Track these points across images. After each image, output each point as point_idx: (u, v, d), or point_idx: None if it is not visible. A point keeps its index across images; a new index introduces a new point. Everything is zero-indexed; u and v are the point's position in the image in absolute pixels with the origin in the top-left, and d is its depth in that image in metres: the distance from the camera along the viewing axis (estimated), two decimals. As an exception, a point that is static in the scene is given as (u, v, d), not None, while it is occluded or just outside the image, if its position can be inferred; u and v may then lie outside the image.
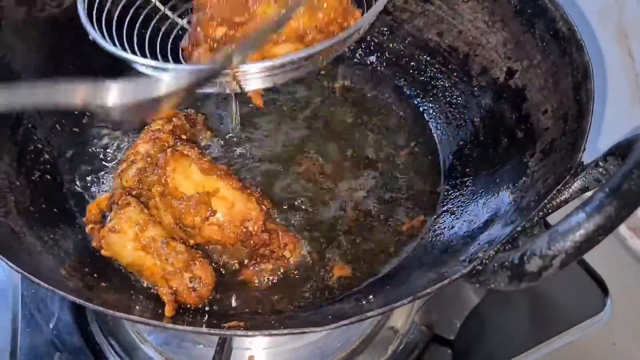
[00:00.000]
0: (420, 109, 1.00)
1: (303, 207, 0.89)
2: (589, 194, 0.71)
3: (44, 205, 0.85)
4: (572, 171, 0.73)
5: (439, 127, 0.98)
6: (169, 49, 0.89)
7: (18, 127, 0.88)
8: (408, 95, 1.02)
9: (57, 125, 0.94)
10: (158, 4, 0.93)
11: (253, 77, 0.75)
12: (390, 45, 1.03)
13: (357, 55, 1.06)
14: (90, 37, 0.79)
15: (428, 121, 0.99)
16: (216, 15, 0.79)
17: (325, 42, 0.76)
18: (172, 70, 0.75)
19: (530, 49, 0.89)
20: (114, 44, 0.81)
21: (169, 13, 0.94)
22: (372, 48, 1.05)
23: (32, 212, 0.83)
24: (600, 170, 0.71)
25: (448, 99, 0.98)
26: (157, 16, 0.93)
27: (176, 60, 0.86)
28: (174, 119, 0.90)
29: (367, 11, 0.81)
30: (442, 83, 0.99)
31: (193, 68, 0.78)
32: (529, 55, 0.89)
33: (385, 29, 1.03)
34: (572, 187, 0.73)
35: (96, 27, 0.80)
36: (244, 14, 0.78)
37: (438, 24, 0.99)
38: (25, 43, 0.92)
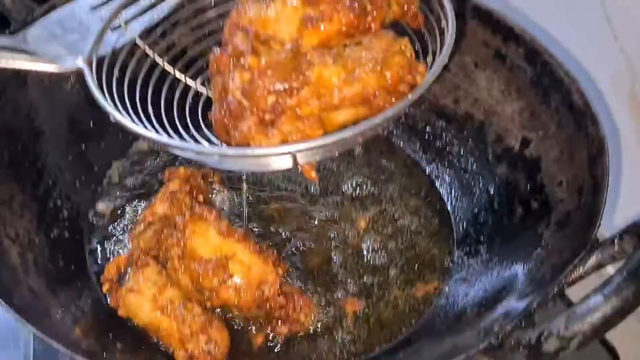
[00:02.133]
0: (435, 174, 1.01)
1: (319, 270, 0.89)
2: (604, 270, 0.72)
3: (62, 263, 0.86)
4: (588, 247, 0.73)
5: (453, 194, 0.99)
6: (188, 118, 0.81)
7: (39, 184, 0.89)
8: (424, 160, 1.03)
9: (77, 182, 0.95)
10: (167, 66, 0.85)
11: (313, 152, 0.69)
12: (407, 110, 1.04)
13: (373, 119, 1.07)
14: (112, 119, 0.70)
15: (443, 187, 1.00)
16: (265, 82, 0.67)
17: (397, 104, 0.68)
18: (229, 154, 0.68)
19: (545, 120, 0.90)
20: (131, 119, 0.72)
21: (179, 74, 0.85)
22: (388, 112, 1.06)
23: (50, 269, 0.84)
24: (616, 248, 0.72)
25: (463, 166, 0.99)
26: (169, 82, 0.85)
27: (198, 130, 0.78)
28: (190, 179, 0.91)
29: (431, 62, 0.73)
30: (457, 150, 1.00)
31: (251, 152, 0.68)
32: (545, 126, 0.90)
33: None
34: (588, 263, 0.74)
35: (109, 101, 0.72)
36: (297, 78, 0.67)
37: (454, 90, 1.01)
38: (49, 100, 0.94)
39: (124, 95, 0.76)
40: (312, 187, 0.99)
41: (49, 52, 0.78)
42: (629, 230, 0.71)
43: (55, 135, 0.93)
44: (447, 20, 0.74)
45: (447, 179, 1.00)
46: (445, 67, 0.71)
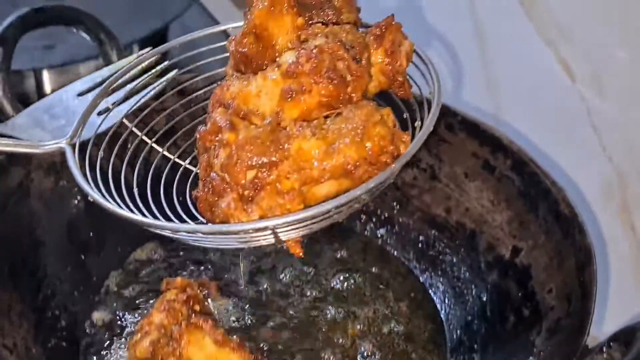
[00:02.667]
0: (429, 282, 1.02)
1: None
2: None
3: (59, 373, 0.87)
4: (578, 354, 0.74)
5: (447, 302, 0.99)
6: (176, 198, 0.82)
7: (38, 294, 0.90)
8: (417, 269, 1.04)
9: (75, 292, 0.96)
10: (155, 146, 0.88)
11: (295, 227, 0.67)
12: (400, 219, 1.07)
13: (367, 227, 1.09)
14: (90, 198, 0.71)
15: (436, 295, 1.01)
16: (243, 158, 0.67)
17: (379, 175, 0.66)
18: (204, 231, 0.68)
19: (534, 229, 0.92)
20: (117, 204, 0.73)
21: (167, 154, 0.88)
22: (382, 221, 1.08)
23: (47, 380, 0.85)
24: (604, 356, 0.73)
25: (456, 274, 1.00)
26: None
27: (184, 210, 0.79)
28: (187, 288, 0.92)
29: (417, 132, 0.72)
30: (449, 258, 1.02)
31: (229, 228, 0.68)
32: (534, 235, 0.92)
33: (395, 203, 1.07)
34: (578, 370, 0.74)
35: (93, 185, 0.73)
36: (276, 152, 0.66)
37: (446, 200, 1.03)
38: (50, 211, 0.96)
39: (108, 177, 0.77)
40: (308, 291, 1.00)
41: (33, 137, 0.82)
42: (616, 338, 0.72)
43: (55, 246, 0.95)
44: (434, 87, 0.75)
45: (440, 287, 1.01)
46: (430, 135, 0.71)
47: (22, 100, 0.99)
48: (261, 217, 0.66)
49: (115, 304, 0.97)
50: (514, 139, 0.98)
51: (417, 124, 0.74)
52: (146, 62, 0.88)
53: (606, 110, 1.03)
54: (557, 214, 0.89)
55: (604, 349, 0.72)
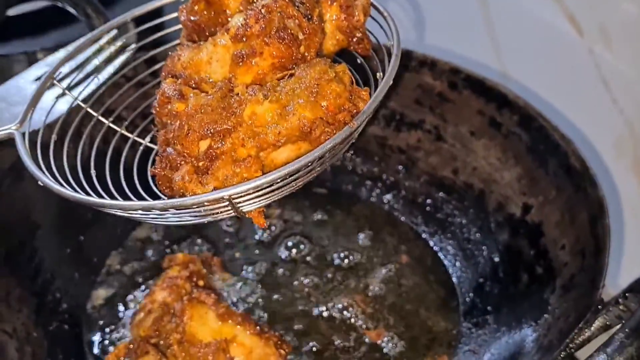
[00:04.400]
0: (439, 246, 1.00)
1: (322, 351, 0.87)
2: (613, 330, 0.70)
3: (61, 356, 0.85)
4: (593, 309, 0.71)
5: (458, 265, 0.97)
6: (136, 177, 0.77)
7: (37, 278, 0.89)
8: (426, 233, 1.02)
9: (75, 274, 0.94)
10: (113, 126, 0.82)
11: (254, 197, 0.63)
12: (406, 183, 1.04)
13: (373, 193, 1.06)
14: (40, 182, 0.67)
15: (447, 259, 0.98)
16: (194, 127, 0.64)
17: (338, 135, 0.62)
18: (157, 209, 0.63)
19: (544, 184, 0.90)
20: (73, 188, 0.69)
21: (125, 132, 0.82)
22: (388, 187, 1.06)
23: (50, 363, 0.83)
24: (620, 307, 0.70)
25: (466, 236, 0.98)
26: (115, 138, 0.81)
27: (148, 190, 0.73)
28: (190, 264, 0.90)
29: (374, 88, 0.68)
30: (459, 220, 0.99)
31: (178, 202, 0.63)
32: (544, 191, 0.89)
33: (400, 167, 1.05)
34: (594, 324, 0.72)
35: (45, 169, 0.69)
36: (228, 119, 0.63)
37: (452, 161, 1.00)
38: (45, 193, 0.93)
39: (62, 159, 0.74)
40: (312, 260, 0.98)
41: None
42: (632, 289, 0.70)
43: (52, 228, 0.93)
44: (393, 39, 0.70)
45: (450, 250, 0.99)
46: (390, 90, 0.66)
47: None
48: (217, 188, 0.62)
49: (117, 284, 0.95)
50: (521, 95, 0.95)
51: (379, 75, 0.69)
52: (104, 40, 0.84)
53: (615, 64, 1.00)
54: (568, 168, 0.87)
55: (620, 301, 0.70)
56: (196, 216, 0.66)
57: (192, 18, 0.71)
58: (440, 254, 0.99)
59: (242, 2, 0.69)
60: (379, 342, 0.88)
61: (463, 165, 0.99)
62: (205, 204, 0.62)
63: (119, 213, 0.67)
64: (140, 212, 0.65)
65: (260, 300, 0.93)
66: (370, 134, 1.06)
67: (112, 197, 0.71)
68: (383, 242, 1.01)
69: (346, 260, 0.98)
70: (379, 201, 1.06)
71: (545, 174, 0.90)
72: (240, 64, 0.65)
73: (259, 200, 0.64)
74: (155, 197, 0.68)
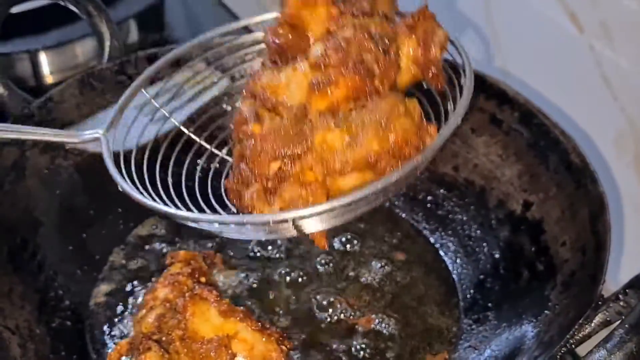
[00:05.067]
0: (440, 243, 1.00)
1: (323, 345, 0.87)
2: (613, 326, 0.70)
3: (64, 353, 0.85)
4: (593, 305, 0.72)
5: (458, 261, 0.97)
6: (210, 188, 0.83)
7: (39, 275, 0.89)
8: (427, 230, 1.02)
9: (78, 271, 0.94)
10: (193, 136, 0.88)
11: (316, 220, 0.67)
12: (417, 173, 1.04)
13: (374, 190, 1.06)
14: (120, 188, 0.72)
15: (447, 255, 0.99)
16: (267, 149, 0.67)
17: (402, 168, 0.65)
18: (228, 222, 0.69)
19: (545, 181, 0.90)
20: (149, 194, 0.75)
21: (204, 143, 0.88)
22: (389, 184, 1.06)
23: (52, 360, 0.83)
24: (621, 303, 0.70)
25: (467, 233, 0.98)
26: (193, 150, 0.88)
27: (220, 202, 0.79)
28: (192, 261, 0.90)
29: (443, 124, 0.72)
30: (459, 217, 1.00)
31: (249, 220, 0.69)
32: (545, 188, 0.90)
33: (401, 164, 1.05)
34: (595, 320, 0.72)
35: (126, 176, 0.74)
36: (300, 144, 0.66)
37: (453, 158, 1.01)
38: (47, 190, 0.94)
39: (142, 165, 0.79)
40: (313, 257, 0.98)
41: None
42: (632, 285, 0.70)
43: (55, 225, 0.93)
44: (465, 79, 0.74)
45: (451, 246, 0.99)
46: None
47: (19, 84, 0.98)
48: (282, 209, 0.66)
49: (119, 280, 0.96)
50: (521, 92, 0.95)
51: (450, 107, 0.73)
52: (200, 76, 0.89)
53: (616, 60, 1.00)
54: (568, 164, 0.87)
55: (620, 297, 0.70)
56: (260, 232, 0.72)
57: (276, 40, 0.74)
58: (441, 251, 0.99)
59: (324, 30, 0.72)
60: (378, 336, 0.89)
61: (464, 162, 1.00)
62: (270, 223, 0.66)
63: (190, 224, 0.72)
64: (206, 223, 0.71)
65: (261, 296, 0.93)
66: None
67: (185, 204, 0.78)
68: (383, 239, 1.01)
69: (346, 258, 0.98)
70: (379, 198, 1.06)
71: (545, 170, 0.90)
72: (317, 91, 0.68)
73: (321, 223, 0.68)
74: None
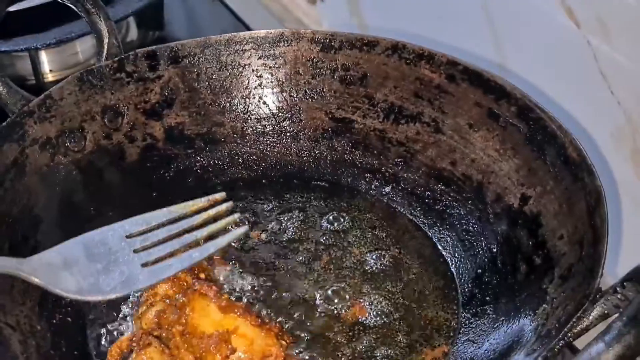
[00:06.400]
0: (437, 237, 1.01)
1: (323, 340, 0.88)
2: (611, 319, 0.70)
3: (64, 349, 0.85)
4: (591, 298, 0.72)
5: (456, 255, 0.98)
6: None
7: (40, 271, 0.89)
8: (425, 225, 1.02)
9: (78, 267, 0.94)
10: None
11: None
12: (405, 175, 1.05)
13: (372, 186, 1.07)
14: None
15: (446, 250, 0.99)
16: None
17: None
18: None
19: (542, 175, 0.90)
20: None
21: None
22: (387, 179, 1.07)
23: (53, 356, 0.83)
24: (618, 296, 0.71)
25: (464, 227, 0.98)
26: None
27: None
28: (192, 257, 0.91)
29: None
30: (457, 211, 1.00)
31: None
32: (542, 182, 0.90)
33: (399, 159, 1.05)
34: (592, 313, 0.72)
35: None
36: None
37: (451, 153, 1.01)
38: (47, 187, 0.94)
39: None
40: (312, 253, 0.99)
41: (53, 281, 0.74)
42: (630, 278, 0.70)
43: (55, 222, 0.93)
44: None
45: (449, 241, 0.99)
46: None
47: (18, 82, 0.98)
48: None
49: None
50: (518, 86, 0.95)
51: None
52: (214, 211, 0.84)
53: (613, 55, 1.01)
54: (565, 158, 0.87)
55: (618, 289, 0.70)
56: None
57: None
58: (439, 245, 1.00)
59: None
60: (376, 330, 0.89)
61: (461, 157, 1.00)
62: None
63: None
64: None
65: (260, 291, 0.93)
66: (370, 127, 1.06)
67: None
68: (381, 234, 1.01)
69: (345, 253, 0.98)
70: (378, 193, 1.07)
71: (543, 164, 0.90)
72: None
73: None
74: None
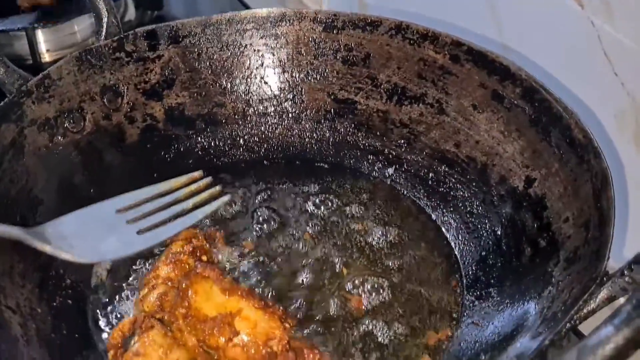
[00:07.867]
0: (441, 220, 1.00)
1: (327, 323, 0.87)
2: (617, 302, 0.70)
3: (65, 332, 0.84)
4: (597, 281, 0.71)
5: (460, 238, 0.97)
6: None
7: (40, 253, 0.88)
8: (429, 206, 1.02)
9: (79, 249, 0.93)
10: None
11: None
12: (408, 157, 1.04)
13: (375, 168, 1.06)
14: None
15: (449, 232, 0.98)
16: None
17: None
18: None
19: (547, 157, 0.89)
20: None
21: None
22: (390, 161, 1.06)
23: (54, 339, 0.83)
24: (626, 279, 0.70)
25: (468, 209, 0.98)
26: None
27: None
28: (193, 239, 0.90)
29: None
30: (461, 193, 0.99)
31: None
32: (547, 163, 0.89)
33: (402, 141, 1.04)
34: (599, 296, 0.72)
35: None
36: None
37: (455, 135, 1.00)
38: (46, 168, 0.93)
39: None
40: (316, 234, 0.98)
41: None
42: (637, 260, 0.69)
43: (54, 203, 0.92)
44: None
45: (453, 223, 0.99)
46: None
47: (16, 62, 0.97)
48: None
49: (120, 259, 0.94)
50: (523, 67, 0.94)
51: None
52: (195, 185, 0.90)
53: (617, 36, 1.00)
54: (571, 140, 0.86)
55: (625, 272, 0.70)
56: None
57: None
58: (442, 228, 0.99)
59: None
60: (381, 313, 0.89)
61: (465, 138, 0.99)
62: None
63: None
64: None
65: (263, 274, 0.92)
66: (372, 108, 1.05)
67: None
68: (385, 217, 1.00)
69: (348, 235, 0.98)
70: (381, 175, 1.06)
71: (548, 146, 0.89)
72: None
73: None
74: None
